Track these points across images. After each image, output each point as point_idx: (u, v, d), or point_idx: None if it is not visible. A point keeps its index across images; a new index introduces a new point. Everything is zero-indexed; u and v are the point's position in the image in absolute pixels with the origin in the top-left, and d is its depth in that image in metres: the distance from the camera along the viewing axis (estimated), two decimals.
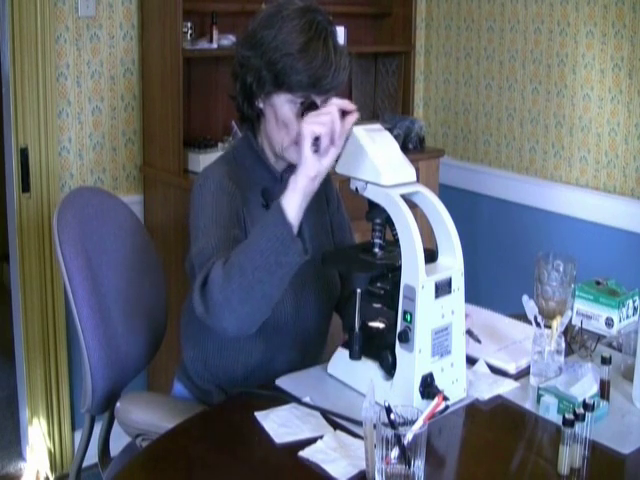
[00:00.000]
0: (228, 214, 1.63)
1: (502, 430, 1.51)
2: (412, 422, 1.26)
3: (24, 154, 2.66)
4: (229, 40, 2.87)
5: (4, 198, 2.81)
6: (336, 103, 1.51)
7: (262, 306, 1.48)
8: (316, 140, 1.47)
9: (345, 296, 1.84)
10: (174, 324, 2.16)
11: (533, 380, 1.65)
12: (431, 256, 1.54)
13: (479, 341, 1.80)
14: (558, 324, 1.66)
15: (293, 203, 1.48)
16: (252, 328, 1.51)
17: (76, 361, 2.85)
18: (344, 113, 1.52)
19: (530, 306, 1.70)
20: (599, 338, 1.83)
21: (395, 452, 1.24)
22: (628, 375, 1.66)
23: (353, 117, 1.52)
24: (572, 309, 1.89)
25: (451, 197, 3.14)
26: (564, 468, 1.33)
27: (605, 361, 1.58)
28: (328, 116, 1.48)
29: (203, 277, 1.48)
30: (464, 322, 1.57)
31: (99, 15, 2.78)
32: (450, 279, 1.52)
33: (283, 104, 1.67)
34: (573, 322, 1.86)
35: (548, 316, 1.80)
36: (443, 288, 1.50)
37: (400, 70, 3.43)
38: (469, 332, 1.77)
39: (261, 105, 1.71)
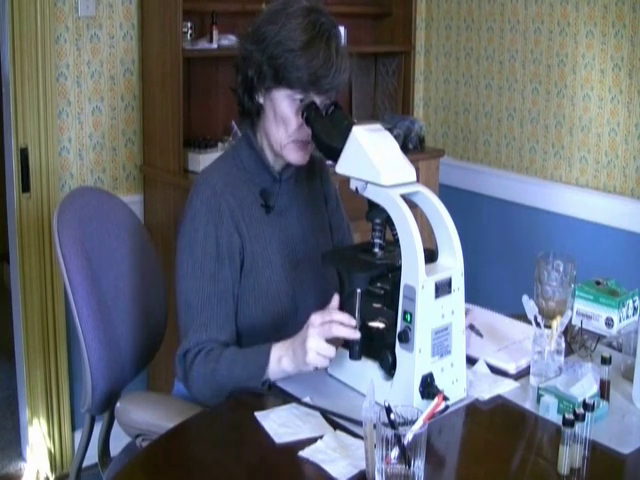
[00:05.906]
0: (216, 253, 1.68)
1: (502, 430, 1.51)
2: (412, 422, 1.26)
3: (24, 154, 2.66)
4: (229, 40, 2.87)
5: (4, 198, 2.81)
6: (337, 319, 1.53)
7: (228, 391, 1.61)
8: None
9: (345, 296, 1.84)
10: (174, 324, 2.16)
11: (533, 380, 1.65)
12: (431, 256, 1.54)
13: (481, 335, 1.80)
14: (558, 324, 1.65)
15: (278, 368, 1.58)
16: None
17: (76, 361, 2.85)
18: None
19: (530, 306, 1.70)
20: (599, 338, 1.83)
21: (395, 452, 1.24)
22: (628, 375, 1.66)
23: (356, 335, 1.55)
24: (572, 309, 1.89)
25: (451, 197, 3.15)
26: (564, 468, 1.33)
27: (605, 361, 1.58)
28: (332, 350, 1.53)
29: (187, 365, 1.65)
30: (464, 322, 1.57)
31: (99, 15, 2.78)
32: (450, 279, 1.52)
33: (282, 100, 1.68)
34: (573, 322, 1.86)
35: (548, 316, 1.80)
36: (443, 288, 1.50)
37: (400, 70, 3.43)
38: (471, 327, 1.78)
39: (261, 100, 1.72)
